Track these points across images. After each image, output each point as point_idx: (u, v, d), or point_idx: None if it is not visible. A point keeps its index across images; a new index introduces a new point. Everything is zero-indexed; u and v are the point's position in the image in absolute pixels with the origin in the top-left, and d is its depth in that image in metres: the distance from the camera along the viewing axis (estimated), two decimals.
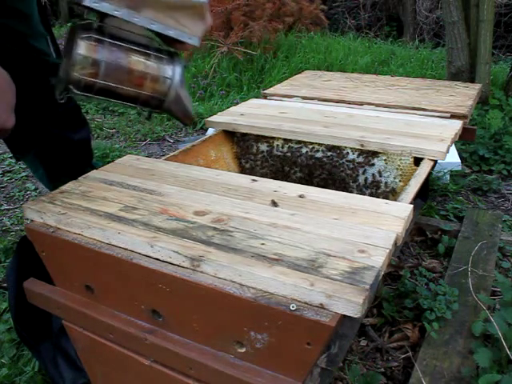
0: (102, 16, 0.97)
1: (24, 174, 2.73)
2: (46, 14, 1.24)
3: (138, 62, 1.00)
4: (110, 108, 3.74)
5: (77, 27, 0.96)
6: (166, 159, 1.16)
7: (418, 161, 1.18)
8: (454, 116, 1.44)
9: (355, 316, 0.63)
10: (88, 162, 1.35)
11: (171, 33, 0.98)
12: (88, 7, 0.91)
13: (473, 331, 1.34)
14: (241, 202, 0.89)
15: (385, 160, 1.22)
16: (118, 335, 0.85)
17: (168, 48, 1.05)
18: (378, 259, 0.70)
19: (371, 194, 1.24)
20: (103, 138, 3.27)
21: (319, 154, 1.31)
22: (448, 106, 1.51)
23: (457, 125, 1.36)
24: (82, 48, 0.95)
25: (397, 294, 1.56)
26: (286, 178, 1.36)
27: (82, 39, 0.95)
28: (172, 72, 1.04)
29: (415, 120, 1.41)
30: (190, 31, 0.99)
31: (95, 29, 0.97)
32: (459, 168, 2.44)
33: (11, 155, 3.03)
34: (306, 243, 0.74)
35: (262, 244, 0.74)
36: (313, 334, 0.65)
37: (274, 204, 0.88)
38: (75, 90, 0.98)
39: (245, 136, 1.40)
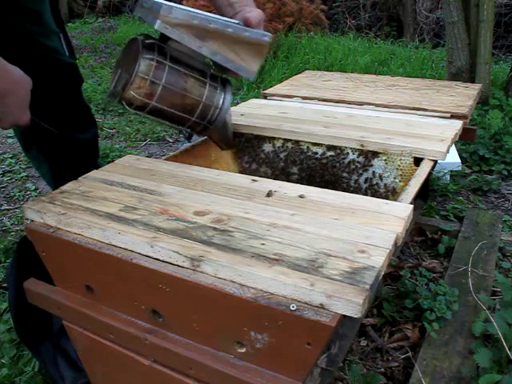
0: (165, 37, 0.97)
1: (24, 174, 2.73)
2: (58, 10, 1.23)
3: (193, 89, 1.02)
4: (110, 108, 3.74)
5: (140, 44, 0.96)
6: (165, 159, 1.16)
7: (418, 161, 1.17)
8: (454, 116, 1.44)
9: (355, 316, 0.63)
10: (93, 162, 1.34)
11: (230, 65, 1.01)
12: (158, 31, 0.93)
13: (473, 331, 1.34)
14: (241, 201, 0.89)
15: (385, 160, 1.22)
16: (118, 335, 0.85)
17: (221, 75, 1.08)
18: (378, 259, 0.70)
19: (371, 194, 1.24)
20: (103, 138, 3.27)
21: (319, 155, 1.31)
22: (448, 106, 1.51)
23: (457, 125, 1.36)
24: (144, 69, 0.95)
25: (397, 294, 1.56)
26: (286, 178, 1.36)
27: (145, 60, 0.95)
28: (222, 101, 1.07)
29: (415, 120, 1.41)
30: (247, 66, 1.02)
31: (158, 50, 0.97)
32: (459, 168, 2.44)
33: (11, 155, 3.04)
34: (306, 243, 0.74)
35: (262, 244, 0.74)
36: (313, 334, 0.65)
37: (269, 195, 0.90)
38: (127, 107, 0.98)
39: (245, 136, 1.39)
